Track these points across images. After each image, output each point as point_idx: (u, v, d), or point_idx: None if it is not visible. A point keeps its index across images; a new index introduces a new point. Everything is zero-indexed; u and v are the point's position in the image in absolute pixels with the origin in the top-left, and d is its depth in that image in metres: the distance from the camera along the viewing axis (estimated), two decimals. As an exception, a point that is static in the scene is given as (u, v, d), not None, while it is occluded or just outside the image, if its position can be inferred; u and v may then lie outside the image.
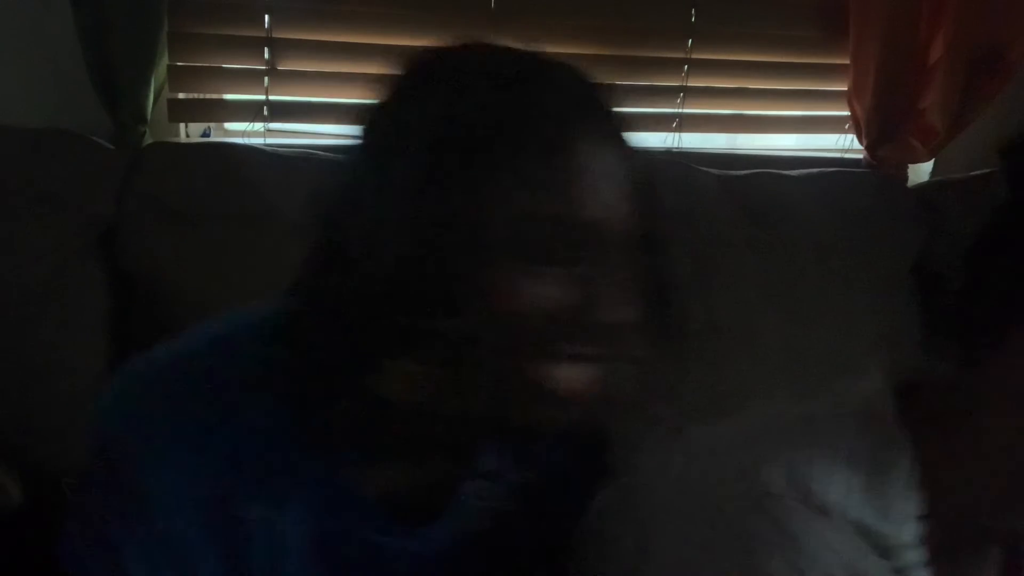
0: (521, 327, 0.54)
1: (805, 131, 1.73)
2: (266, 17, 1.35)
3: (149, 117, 1.29)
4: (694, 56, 1.53)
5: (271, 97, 1.39)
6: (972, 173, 1.48)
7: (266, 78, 1.37)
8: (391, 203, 0.54)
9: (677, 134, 1.57)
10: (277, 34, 1.36)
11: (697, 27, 1.51)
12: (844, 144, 1.64)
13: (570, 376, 0.56)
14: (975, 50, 1.44)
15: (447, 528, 0.64)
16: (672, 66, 1.54)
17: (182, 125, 1.44)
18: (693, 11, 1.50)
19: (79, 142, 1.21)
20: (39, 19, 1.25)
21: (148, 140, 1.30)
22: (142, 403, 0.57)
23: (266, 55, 1.37)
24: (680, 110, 1.56)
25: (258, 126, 1.40)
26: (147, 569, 0.57)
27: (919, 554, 0.59)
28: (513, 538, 0.67)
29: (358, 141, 0.58)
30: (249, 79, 1.38)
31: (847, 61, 1.53)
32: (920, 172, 1.66)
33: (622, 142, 0.60)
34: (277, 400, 0.57)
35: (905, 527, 0.59)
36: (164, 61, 1.31)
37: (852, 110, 1.55)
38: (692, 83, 1.55)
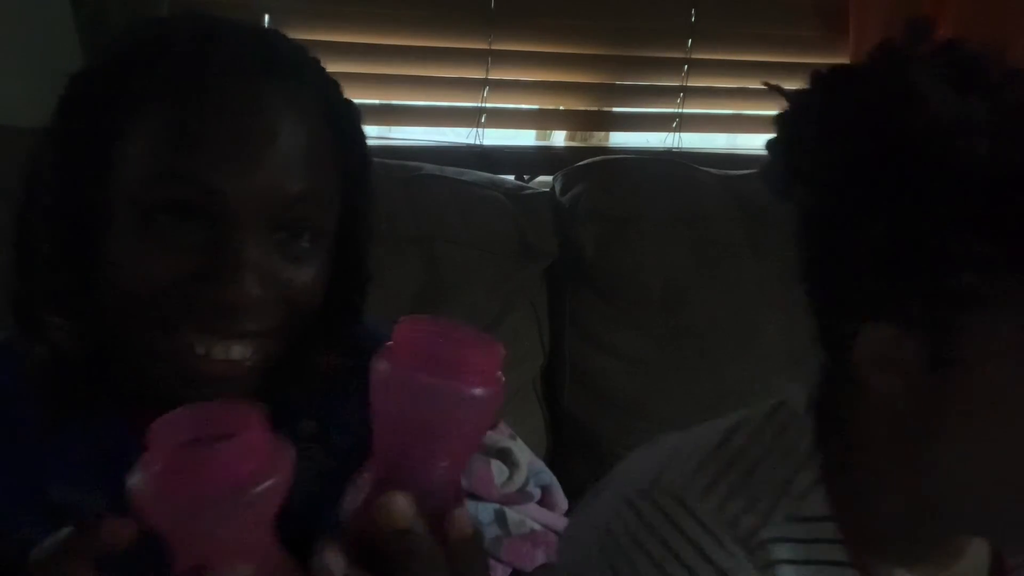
0: (151, 297, 0.52)
1: (805, 131, 1.73)
2: (266, 17, 1.34)
3: (149, 117, 1.29)
4: (694, 56, 1.53)
5: (271, 97, 1.38)
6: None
7: (266, 78, 1.37)
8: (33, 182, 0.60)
9: (677, 134, 1.57)
10: (277, 34, 1.36)
11: (697, 27, 1.51)
12: (844, 144, 1.64)
13: (209, 353, 0.53)
14: (975, 50, 1.44)
15: None
16: (672, 66, 1.54)
17: (182, 125, 1.43)
18: (693, 11, 1.50)
19: (79, 142, 1.21)
20: (39, 19, 1.25)
21: (148, 140, 1.30)
22: None
23: (266, 55, 1.36)
24: (680, 110, 1.56)
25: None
26: None
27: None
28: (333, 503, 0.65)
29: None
30: (249, 79, 1.38)
31: (847, 61, 1.52)
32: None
33: (307, 115, 0.55)
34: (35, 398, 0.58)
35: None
36: (164, 61, 1.31)
37: (852, 110, 1.55)
38: (692, 83, 1.55)
